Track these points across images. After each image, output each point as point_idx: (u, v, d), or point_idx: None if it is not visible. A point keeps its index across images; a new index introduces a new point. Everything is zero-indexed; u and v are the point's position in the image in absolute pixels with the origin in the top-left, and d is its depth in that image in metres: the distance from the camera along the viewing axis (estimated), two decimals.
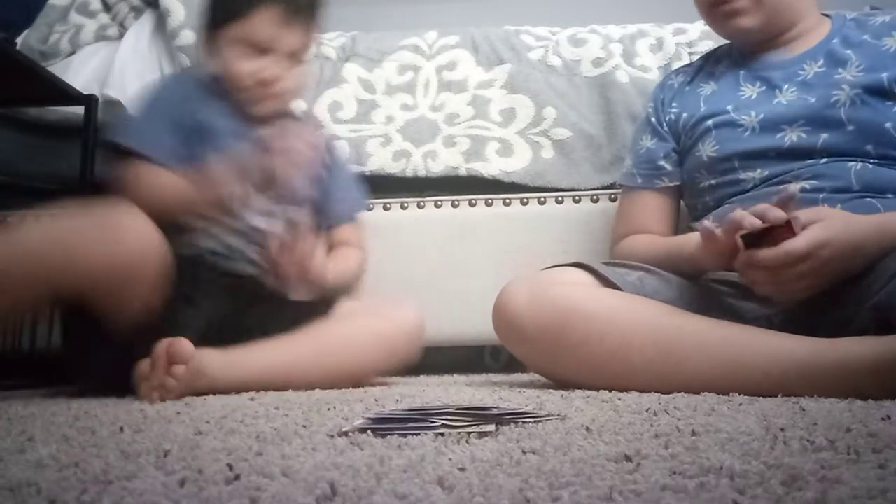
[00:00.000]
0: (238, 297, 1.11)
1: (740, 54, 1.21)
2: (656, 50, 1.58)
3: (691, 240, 1.04)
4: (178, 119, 1.14)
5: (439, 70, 1.61)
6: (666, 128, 1.22)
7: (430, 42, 1.66)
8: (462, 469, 0.42)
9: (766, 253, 0.87)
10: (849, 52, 1.09)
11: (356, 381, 1.10)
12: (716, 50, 1.28)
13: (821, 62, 1.10)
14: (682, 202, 1.26)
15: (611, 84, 1.54)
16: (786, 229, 0.87)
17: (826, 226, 0.88)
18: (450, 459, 0.45)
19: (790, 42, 1.15)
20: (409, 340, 1.18)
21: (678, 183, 1.22)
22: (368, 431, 0.57)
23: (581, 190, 1.50)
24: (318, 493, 0.36)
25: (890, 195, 1.01)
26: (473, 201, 1.54)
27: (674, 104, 1.23)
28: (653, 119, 1.25)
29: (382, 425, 0.58)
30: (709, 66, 1.25)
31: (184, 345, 0.91)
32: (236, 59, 1.18)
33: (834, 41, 1.12)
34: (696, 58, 1.40)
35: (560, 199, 1.52)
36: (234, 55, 1.18)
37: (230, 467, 0.43)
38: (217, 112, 1.18)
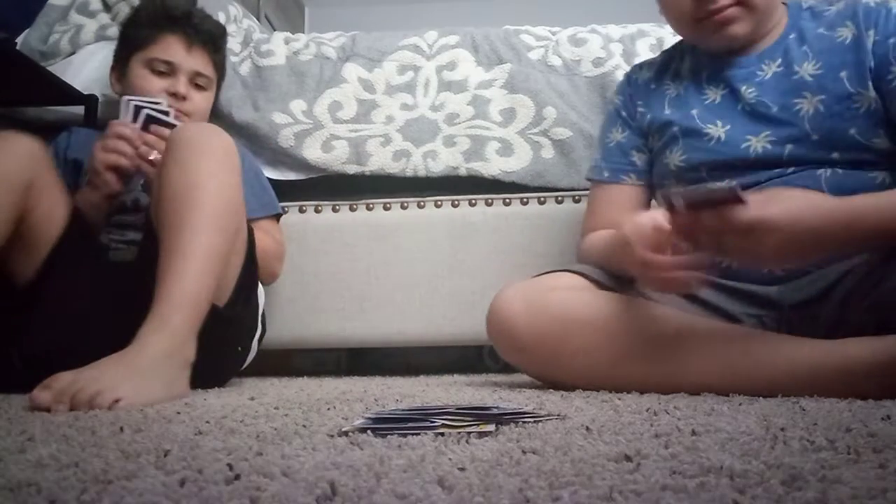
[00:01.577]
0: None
1: (704, 54, 1.15)
2: (656, 50, 1.58)
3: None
4: (61, 167, 1.33)
5: (439, 70, 1.61)
6: (635, 124, 1.19)
7: (430, 42, 1.66)
8: (462, 469, 0.42)
9: (707, 215, 0.81)
10: (804, 48, 1.05)
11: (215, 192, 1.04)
12: (679, 45, 1.22)
13: (779, 61, 1.06)
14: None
15: (611, 84, 1.53)
16: (734, 201, 0.81)
17: (782, 210, 0.82)
18: (450, 459, 0.45)
19: (753, 42, 1.10)
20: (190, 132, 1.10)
21: (644, 183, 1.18)
22: (368, 431, 0.57)
23: (581, 190, 1.50)
24: (318, 493, 0.36)
25: None
26: (473, 201, 1.54)
27: (640, 103, 1.19)
28: (623, 113, 1.21)
29: (382, 425, 0.58)
30: (674, 63, 1.19)
31: (35, 398, 0.81)
32: (145, 79, 1.35)
33: (790, 37, 1.07)
34: None
35: (560, 199, 1.52)
36: (144, 75, 1.35)
37: (230, 467, 0.43)
38: (92, 142, 1.32)
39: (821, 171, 1.00)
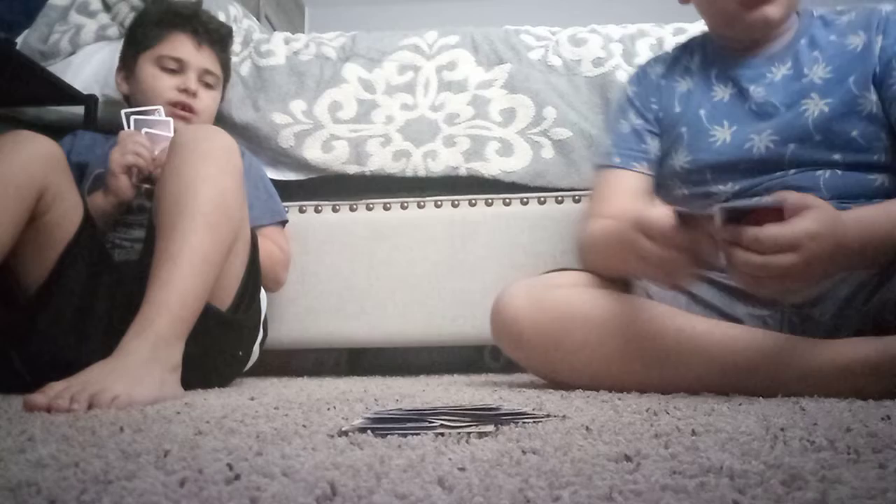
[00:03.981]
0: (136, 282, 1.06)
1: (714, 50, 1.15)
2: (656, 50, 1.58)
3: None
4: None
5: (439, 70, 1.61)
6: (650, 115, 1.17)
7: (430, 42, 1.66)
8: (462, 469, 0.42)
9: (748, 231, 0.75)
10: (815, 53, 1.06)
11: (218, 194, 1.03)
12: (689, 42, 1.22)
13: (788, 65, 1.07)
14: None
15: (611, 84, 1.53)
16: (774, 215, 0.77)
17: (817, 217, 0.77)
18: (450, 459, 0.45)
19: (765, 42, 1.10)
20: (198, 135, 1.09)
21: (654, 174, 1.15)
22: (368, 431, 0.57)
23: (581, 190, 1.50)
24: (318, 493, 0.36)
25: (862, 200, 0.98)
26: (473, 201, 1.54)
27: (653, 99, 1.18)
28: (637, 102, 1.19)
29: (382, 425, 0.58)
30: (684, 59, 1.19)
31: (31, 402, 0.79)
32: (155, 77, 1.36)
33: (801, 42, 1.08)
34: None
35: (560, 199, 1.52)
36: (154, 74, 1.36)
37: (230, 467, 0.43)
38: (97, 146, 1.36)
39: (820, 172, 1.00)
